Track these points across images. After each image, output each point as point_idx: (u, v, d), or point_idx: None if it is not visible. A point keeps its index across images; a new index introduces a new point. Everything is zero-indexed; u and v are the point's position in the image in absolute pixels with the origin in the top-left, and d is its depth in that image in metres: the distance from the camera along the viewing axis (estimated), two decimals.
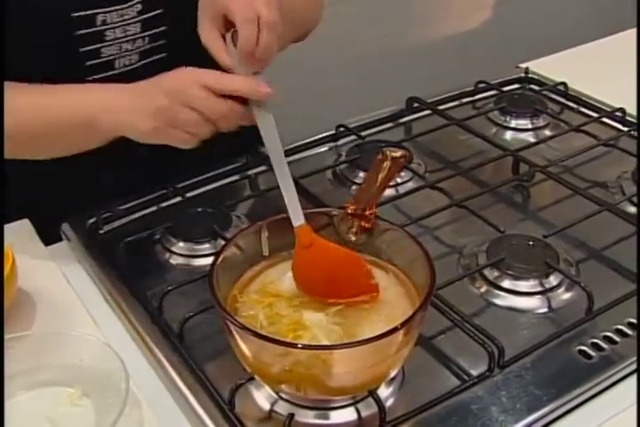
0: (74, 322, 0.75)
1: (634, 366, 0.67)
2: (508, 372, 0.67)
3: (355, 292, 0.63)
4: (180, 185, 0.90)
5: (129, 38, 0.82)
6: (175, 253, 0.82)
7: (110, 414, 0.61)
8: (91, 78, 0.81)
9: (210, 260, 0.79)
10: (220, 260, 0.62)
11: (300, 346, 0.56)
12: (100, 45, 0.80)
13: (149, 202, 0.90)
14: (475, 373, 0.67)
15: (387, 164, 0.73)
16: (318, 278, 0.64)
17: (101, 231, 0.86)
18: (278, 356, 0.58)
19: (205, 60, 0.93)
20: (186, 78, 0.69)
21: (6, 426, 0.63)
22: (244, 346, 0.59)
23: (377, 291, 0.64)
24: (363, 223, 0.67)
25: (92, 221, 0.86)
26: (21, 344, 0.68)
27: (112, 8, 0.79)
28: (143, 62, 0.85)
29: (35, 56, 0.78)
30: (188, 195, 0.90)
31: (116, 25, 0.80)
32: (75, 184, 0.93)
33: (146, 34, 0.83)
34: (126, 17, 0.80)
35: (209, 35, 0.69)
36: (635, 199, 0.87)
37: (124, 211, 0.88)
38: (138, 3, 0.80)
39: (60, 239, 0.87)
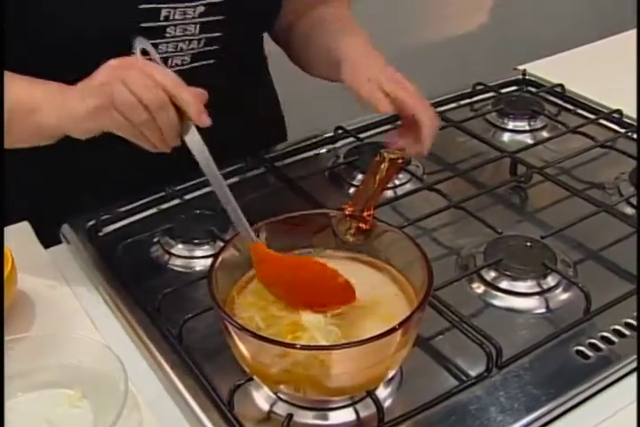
0: (73, 324, 0.75)
1: (632, 366, 0.67)
2: (507, 372, 0.67)
3: (329, 299, 0.63)
4: (178, 187, 0.91)
5: (186, 38, 0.83)
6: (174, 255, 0.82)
7: (109, 416, 0.61)
8: None
9: (209, 261, 0.80)
10: (218, 261, 0.62)
11: (298, 347, 0.57)
12: (158, 41, 0.81)
13: (148, 204, 0.90)
14: (473, 373, 0.67)
15: (384, 165, 0.74)
16: (286, 290, 0.64)
17: (100, 233, 0.86)
18: (277, 356, 0.58)
19: (248, 73, 0.95)
20: (134, 62, 0.67)
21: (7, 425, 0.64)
22: (243, 347, 0.59)
23: (353, 296, 0.63)
24: (360, 225, 0.68)
25: (91, 223, 0.87)
26: (20, 346, 0.68)
27: (177, 4, 0.80)
28: (193, 65, 0.86)
29: (91, 44, 0.78)
30: (187, 197, 0.90)
31: (177, 22, 0.81)
32: (74, 186, 0.94)
33: (202, 36, 0.84)
34: (188, 16, 0.81)
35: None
36: (632, 200, 0.88)
37: (124, 213, 0.88)
38: (202, 4, 0.81)
39: (60, 242, 0.87)
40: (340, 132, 1.02)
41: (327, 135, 1.03)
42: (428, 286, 0.59)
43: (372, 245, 0.68)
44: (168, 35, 0.82)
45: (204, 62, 0.87)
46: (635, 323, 0.71)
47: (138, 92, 0.64)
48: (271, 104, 1.10)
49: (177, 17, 0.81)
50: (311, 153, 1.01)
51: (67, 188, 0.92)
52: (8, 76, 0.74)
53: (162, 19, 0.80)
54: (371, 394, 0.63)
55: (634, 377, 0.67)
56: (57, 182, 0.93)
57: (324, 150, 1.02)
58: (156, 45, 0.81)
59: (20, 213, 0.89)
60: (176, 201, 0.90)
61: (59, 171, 0.92)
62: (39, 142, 0.76)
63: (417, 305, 0.58)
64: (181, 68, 0.86)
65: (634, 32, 1.24)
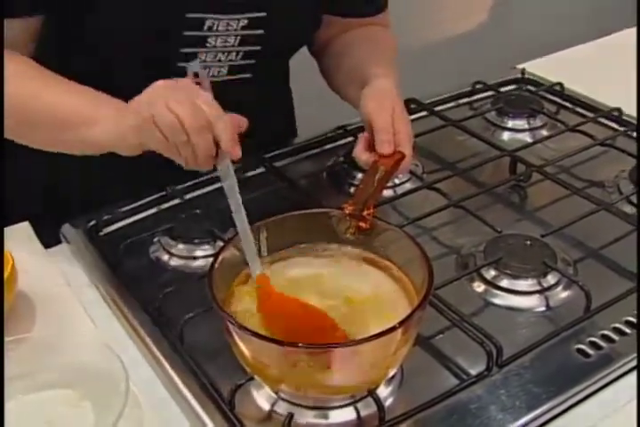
0: (73, 324, 0.75)
1: (632, 364, 0.68)
2: (507, 371, 0.67)
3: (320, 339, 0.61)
4: (178, 187, 0.91)
5: (225, 50, 0.85)
6: (174, 255, 0.82)
7: (110, 415, 0.61)
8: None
9: (209, 261, 0.80)
10: (218, 261, 0.62)
11: (299, 346, 0.57)
12: (199, 50, 0.83)
13: (149, 204, 0.90)
14: (473, 372, 0.67)
15: (379, 171, 0.74)
16: (283, 326, 0.63)
17: (101, 233, 0.86)
18: (277, 356, 0.58)
19: (277, 86, 0.99)
20: (182, 83, 0.68)
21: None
22: (244, 346, 0.59)
23: (344, 337, 0.61)
24: (360, 224, 0.68)
25: (92, 223, 0.87)
26: (21, 347, 0.68)
27: (222, 16, 0.82)
28: (228, 78, 0.88)
29: (135, 51, 0.81)
30: (187, 197, 0.90)
31: (219, 34, 0.83)
32: (75, 187, 0.94)
33: (241, 49, 0.86)
34: (230, 28, 0.83)
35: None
36: (632, 198, 0.88)
37: (124, 213, 0.89)
38: (246, 18, 0.83)
39: (59, 242, 0.87)
40: (340, 131, 1.02)
41: (327, 135, 1.03)
42: (428, 285, 0.59)
43: (372, 244, 0.68)
44: (209, 44, 0.83)
45: (241, 76, 0.89)
46: (635, 321, 0.71)
47: (180, 114, 0.65)
48: (287, 105, 1.11)
49: (220, 28, 0.82)
50: (311, 153, 1.01)
51: (68, 188, 0.92)
52: (72, 82, 0.76)
53: (205, 28, 0.82)
54: (371, 393, 0.63)
55: (634, 375, 0.67)
56: (58, 183, 0.93)
57: (324, 150, 1.02)
58: (195, 54, 0.83)
59: (21, 213, 0.89)
60: (176, 201, 0.90)
61: (61, 172, 0.92)
62: (79, 152, 0.78)
63: (417, 304, 0.58)
64: (217, 79, 0.87)
65: (633, 30, 1.24)
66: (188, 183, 0.91)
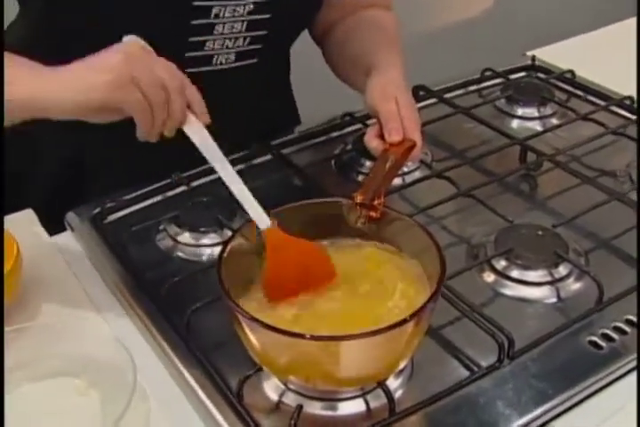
0: (79, 313, 0.75)
1: None
2: (518, 362, 0.66)
3: (318, 280, 0.64)
4: (184, 174, 0.89)
5: (232, 36, 0.84)
6: (180, 243, 0.81)
7: (117, 406, 0.61)
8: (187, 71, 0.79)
9: (215, 250, 0.80)
10: (227, 249, 0.61)
11: (307, 337, 0.56)
12: (206, 38, 0.83)
13: (154, 191, 0.89)
14: (484, 364, 0.66)
15: (390, 159, 0.73)
16: (292, 276, 0.63)
17: (106, 221, 0.85)
18: (286, 346, 0.57)
19: (284, 79, 1.01)
20: (148, 51, 0.68)
21: (11, 417, 0.63)
22: (252, 337, 0.59)
23: (334, 275, 0.64)
24: (371, 213, 0.67)
25: (96, 210, 0.85)
26: (26, 335, 0.67)
27: (228, 2, 0.81)
28: (236, 64, 0.88)
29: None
30: (193, 184, 0.89)
31: (226, 20, 0.82)
32: (81, 176, 0.93)
33: (248, 34, 0.85)
34: (236, 14, 0.82)
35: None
36: None
37: (129, 201, 0.87)
38: (252, 3, 0.82)
39: (63, 231, 0.86)
40: (347, 119, 1.01)
41: (335, 122, 1.01)
42: (441, 275, 0.58)
43: (382, 234, 0.67)
44: (216, 32, 0.83)
45: (248, 62, 0.89)
46: None
47: (161, 74, 0.65)
48: (289, 92, 1.10)
49: (227, 14, 0.82)
50: (318, 140, 1.00)
51: (73, 177, 0.91)
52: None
53: (212, 16, 0.81)
54: (381, 385, 0.62)
55: None
56: (64, 172, 0.92)
57: (331, 138, 1.01)
58: (203, 42, 0.83)
59: (26, 203, 0.88)
60: (182, 188, 0.89)
61: (67, 160, 0.91)
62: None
63: (431, 294, 0.57)
64: (225, 66, 0.87)
65: None
66: (194, 170, 0.90)
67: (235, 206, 0.83)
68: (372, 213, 0.67)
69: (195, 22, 0.81)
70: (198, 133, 0.67)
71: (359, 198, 0.67)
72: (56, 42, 0.81)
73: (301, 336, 0.56)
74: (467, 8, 2.12)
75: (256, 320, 0.56)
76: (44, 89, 0.67)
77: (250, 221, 0.65)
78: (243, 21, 0.84)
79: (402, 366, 0.62)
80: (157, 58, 0.68)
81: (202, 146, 0.67)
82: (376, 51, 0.87)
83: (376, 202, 0.67)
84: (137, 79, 0.64)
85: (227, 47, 0.86)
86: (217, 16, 0.81)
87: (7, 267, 0.70)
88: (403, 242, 0.66)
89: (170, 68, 0.67)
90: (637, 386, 0.64)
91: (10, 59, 0.69)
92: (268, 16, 0.85)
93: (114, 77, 0.65)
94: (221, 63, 0.87)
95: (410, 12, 1.61)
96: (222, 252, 0.61)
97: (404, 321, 0.55)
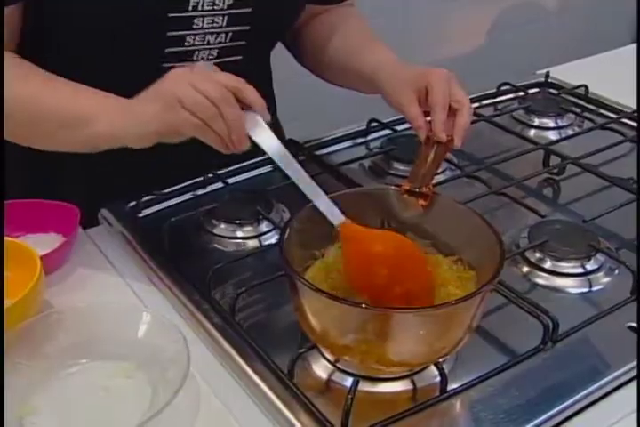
0: (120, 300, 0.75)
1: None
2: (560, 347, 0.68)
3: (415, 282, 0.63)
4: (220, 172, 0.91)
5: (213, 31, 0.83)
6: (217, 236, 0.82)
7: (168, 388, 0.61)
8: (168, 66, 0.79)
9: (252, 243, 0.81)
10: (295, 222, 0.63)
11: (363, 306, 0.56)
12: (186, 32, 0.81)
13: (189, 187, 0.90)
14: (526, 348, 0.67)
15: (434, 147, 0.75)
16: (373, 267, 0.63)
17: (141, 215, 0.86)
18: (345, 321, 0.58)
19: (267, 79, 1.00)
20: (194, 67, 0.70)
21: (61, 394, 0.64)
22: (309, 309, 0.59)
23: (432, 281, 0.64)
24: (420, 201, 0.68)
25: (132, 204, 0.87)
26: (75, 315, 0.68)
27: None
28: (220, 60, 0.86)
29: (120, 33, 0.79)
30: (230, 181, 0.91)
31: (205, 14, 0.81)
32: (115, 173, 0.94)
33: (229, 29, 0.84)
34: (216, 7, 0.81)
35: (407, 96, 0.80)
36: None
37: (164, 195, 0.89)
38: None
39: (95, 225, 0.87)
40: (373, 124, 1.04)
41: (361, 128, 1.04)
42: (500, 259, 0.60)
43: (426, 220, 0.69)
44: (195, 26, 0.81)
45: (232, 58, 0.88)
46: None
47: (204, 89, 0.66)
48: (271, 93, 1.09)
49: (206, 7, 0.80)
50: (344, 145, 1.02)
51: (108, 174, 0.92)
52: (47, 81, 0.75)
53: (190, 8, 0.80)
54: (436, 363, 0.63)
55: None
56: (98, 168, 0.93)
57: (357, 142, 1.03)
58: (183, 38, 0.81)
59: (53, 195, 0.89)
60: (218, 184, 0.90)
61: (100, 157, 0.92)
62: (82, 151, 0.76)
63: (490, 278, 0.59)
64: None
65: None
66: (229, 168, 0.92)
67: (270, 201, 0.86)
68: (422, 201, 0.68)
69: (172, 15, 0.79)
70: (263, 136, 0.68)
71: (408, 186, 0.69)
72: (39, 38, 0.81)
73: (358, 305, 0.57)
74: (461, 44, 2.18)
75: (315, 288, 0.57)
76: (121, 126, 0.71)
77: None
78: (223, 15, 0.82)
79: (459, 347, 0.62)
80: (205, 73, 0.68)
81: (271, 150, 0.67)
82: (367, 53, 0.89)
83: (424, 189, 0.68)
84: (181, 100, 0.66)
85: (208, 43, 0.83)
86: (195, 8, 0.80)
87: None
88: (451, 229, 0.67)
89: (210, 80, 0.67)
90: (637, 394, 0.65)
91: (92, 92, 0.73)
92: (249, 10, 0.83)
93: (161, 105, 0.67)
94: (203, 59, 0.85)
95: (411, 45, 1.66)
96: (289, 222, 0.64)
97: (470, 295, 0.56)
